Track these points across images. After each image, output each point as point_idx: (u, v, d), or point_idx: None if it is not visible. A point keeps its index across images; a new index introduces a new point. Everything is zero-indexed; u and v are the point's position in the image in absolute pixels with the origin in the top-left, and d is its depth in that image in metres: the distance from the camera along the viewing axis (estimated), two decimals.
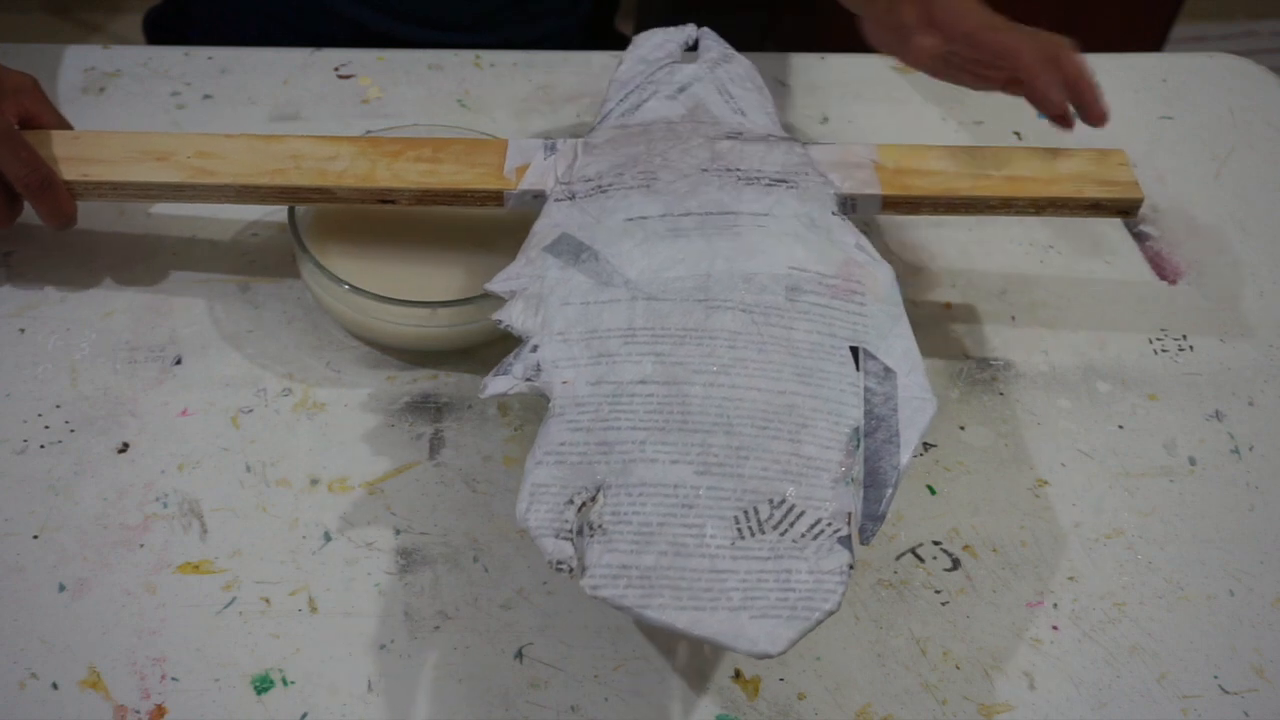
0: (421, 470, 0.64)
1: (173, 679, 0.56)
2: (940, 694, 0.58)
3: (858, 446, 0.53)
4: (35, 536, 0.60)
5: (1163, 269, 0.80)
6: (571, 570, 0.50)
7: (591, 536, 0.50)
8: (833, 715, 0.57)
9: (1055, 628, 0.61)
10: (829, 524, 0.51)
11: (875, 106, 0.80)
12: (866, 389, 0.55)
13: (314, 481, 0.64)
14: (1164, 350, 0.74)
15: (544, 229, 0.62)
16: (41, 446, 0.64)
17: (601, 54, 0.91)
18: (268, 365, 0.68)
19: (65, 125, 0.70)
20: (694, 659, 0.58)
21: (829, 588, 0.49)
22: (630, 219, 0.61)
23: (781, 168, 0.65)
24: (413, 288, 0.66)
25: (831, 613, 0.49)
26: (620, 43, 1.14)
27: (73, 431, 0.64)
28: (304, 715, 0.55)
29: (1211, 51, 0.99)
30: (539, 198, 0.66)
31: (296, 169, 0.67)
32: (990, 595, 0.62)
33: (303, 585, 0.60)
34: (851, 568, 0.50)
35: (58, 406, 0.65)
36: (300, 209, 0.70)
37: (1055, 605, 0.62)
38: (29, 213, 0.68)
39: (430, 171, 0.67)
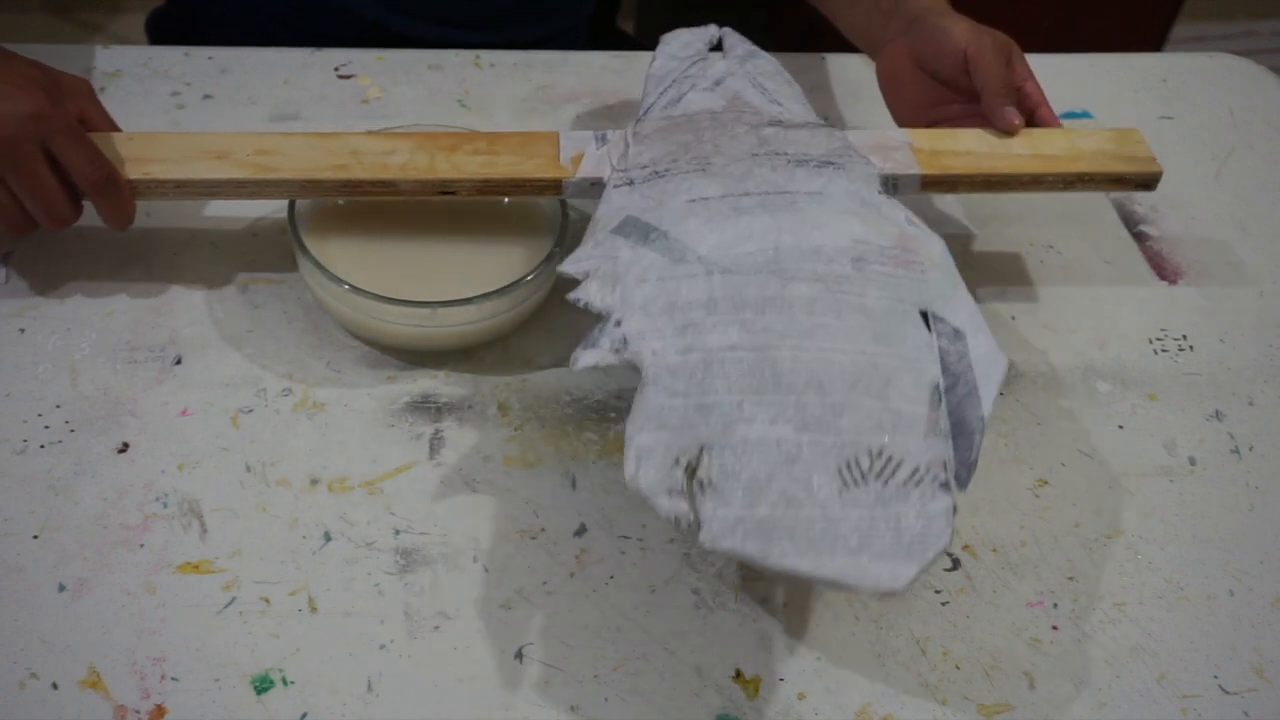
0: (421, 470, 0.64)
1: (173, 679, 0.56)
2: (940, 694, 0.58)
3: (940, 401, 0.55)
4: (35, 536, 0.60)
5: (1163, 269, 0.80)
6: (689, 525, 0.51)
7: (703, 493, 0.52)
8: (833, 715, 0.57)
9: (1055, 628, 0.61)
10: (927, 470, 0.53)
11: (875, 106, 0.80)
12: (940, 349, 0.57)
13: (314, 481, 0.64)
14: (1164, 350, 0.74)
15: (608, 213, 0.64)
16: (41, 446, 0.64)
17: (602, 54, 0.91)
18: (268, 365, 0.68)
19: (115, 127, 0.70)
20: (693, 659, 0.58)
21: (939, 528, 0.52)
22: (692, 200, 0.63)
23: (826, 151, 0.67)
24: (413, 288, 0.66)
25: (944, 551, 0.51)
26: (622, 41, 1.14)
27: (73, 431, 0.64)
28: (304, 715, 0.55)
29: (1211, 51, 0.99)
30: (596, 185, 0.68)
31: (358, 164, 0.68)
32: (990, 595, 0.62)
33: (303, 585, 0.60)
34: (955, 510, 0.52)
35: (58, 406, 0.65)
36: (299, 209, 0.70)
37: (1055, 605, 0.62)
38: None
39: (489, 163, 0.69)
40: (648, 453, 0.53)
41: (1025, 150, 0.71)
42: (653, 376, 0.55)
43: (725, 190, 0.63)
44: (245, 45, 0.88)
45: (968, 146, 0.71)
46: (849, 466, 0.53)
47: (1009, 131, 0.72)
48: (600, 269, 0.60)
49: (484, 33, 0.96)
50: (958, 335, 0.58)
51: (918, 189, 0.70)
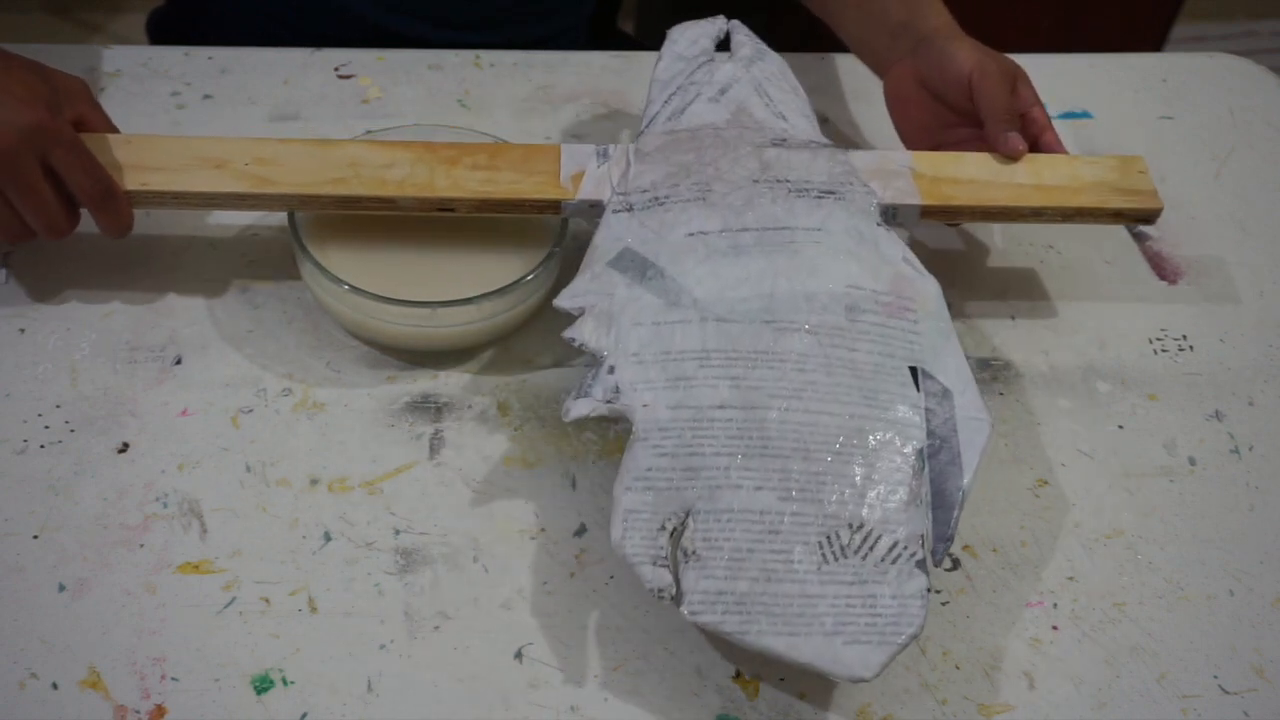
0: (421, 470, 0.64)
1: (173, 679, 0.56)
2: (940, 694, 0.58)
3: (923, 468, 0.56)
4: (35, 536, 0.60)
5: (1163, 269, 0.80)
6: (671, 597, 0.52)
7: (686, 562, 0.53)
8: (833, 715, 0.57)
9: (1055, 628, 0.61)
10: (905, 547, 0.54)
11: (875, 106, 0.80)
12: (927, 409, 0.57)
13: (314, 481, 0.64)
14: (1164, 350, 0.74)
15: (606, 242, 0.63)
16: (41, 446, 0.64)
17: (602, 54, 0.91)
18: (268, 365, 0.68)
19: (113, 129, 0.69)
20: (693, 659, 0.58)
21: (912, 612, 0.52)
22: (691, 234, 0.62)
23: (828, 178, 0.66)
24: (413, 288, 0.66)
25: (915, 636, 0.52)
26: (622, 41, 1.14)
27: (73, 431, 0.64)
28: (304, 715, 0.55)
29: (1211, 51, 0.99)
30: (595, 207, 0.67)
31: (357, 178, 0.67)
32: (990, 595, 0.62)
33: (303, 585, 0.60)
34: (929, 590, 0.53)
35: (58, 406, 0.65)
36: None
37: (1055, 605, 0.62)
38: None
39: (489, 180, 0.68)
40: (634, 516, 0.54)
41: (1028, 178, 0.71)
42: (643, 433, 0.56)
43: (724, 224, 0.63)
44: (245, 45, 0.88)
45: (970, 173, 0.70)
46: (829, 540, 0.53)
47: (1011, 157, 0.71)
48: (596, 306, 0.60)
49: (484, 33, 0.96)
50: (945, 395, 0.58)
51: (918, 219, 0.69)
